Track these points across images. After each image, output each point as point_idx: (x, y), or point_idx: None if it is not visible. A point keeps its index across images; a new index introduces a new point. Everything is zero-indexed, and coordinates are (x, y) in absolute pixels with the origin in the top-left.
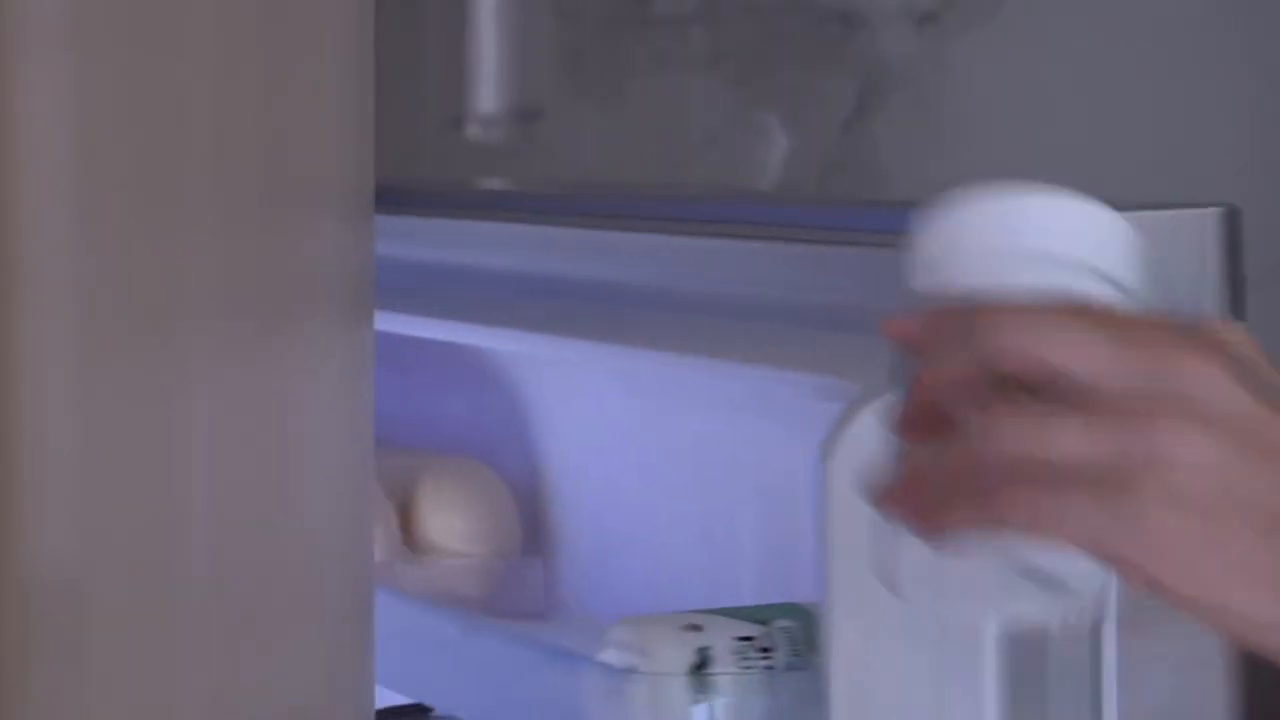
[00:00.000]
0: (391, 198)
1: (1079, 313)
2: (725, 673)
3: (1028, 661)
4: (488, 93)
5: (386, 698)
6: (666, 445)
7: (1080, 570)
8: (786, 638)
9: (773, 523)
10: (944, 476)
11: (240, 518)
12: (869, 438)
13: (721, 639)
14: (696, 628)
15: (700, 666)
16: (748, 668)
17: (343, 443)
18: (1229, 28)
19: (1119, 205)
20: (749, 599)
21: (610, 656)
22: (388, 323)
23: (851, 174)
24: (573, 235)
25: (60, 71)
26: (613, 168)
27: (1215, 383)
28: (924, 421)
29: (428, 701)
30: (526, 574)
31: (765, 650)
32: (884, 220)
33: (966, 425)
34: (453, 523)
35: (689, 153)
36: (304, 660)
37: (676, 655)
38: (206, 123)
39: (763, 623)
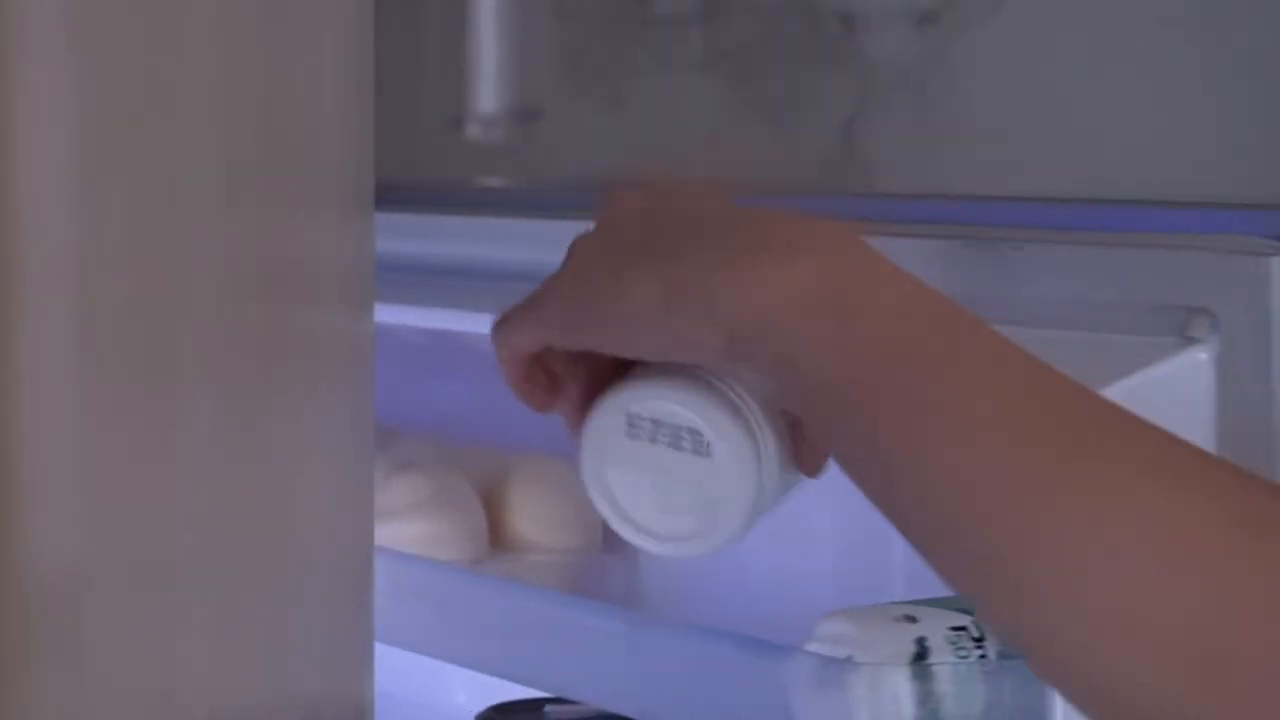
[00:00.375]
0: (392, 196)
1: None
2: (945, 662)
3: None
4: (488, 93)
5: (506, 691)
6: None
7: (681, 402)
8: None
9: (851, 520)
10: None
11: (241, 517)
12: None
13: (937, 629)
14: (912, 619)
15: (920, 657)
16: (964, 657)
17: (344, 439)
18: (1232, 27)
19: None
20: (830, 595)
21: (821, 648)
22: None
23: (851, 174)
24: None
25: (60, 71)
26: (613, 168)
27: (619, 206)
28: None
29: (583, 698)
30: (608, 570)
31: (977, 640)
32: (881, 214)
33: None
34: (537, 520)
35: (689, 153)
36: (305, 659)
37: (897, 646)
38: (206, 123)
39: (970, 613)
